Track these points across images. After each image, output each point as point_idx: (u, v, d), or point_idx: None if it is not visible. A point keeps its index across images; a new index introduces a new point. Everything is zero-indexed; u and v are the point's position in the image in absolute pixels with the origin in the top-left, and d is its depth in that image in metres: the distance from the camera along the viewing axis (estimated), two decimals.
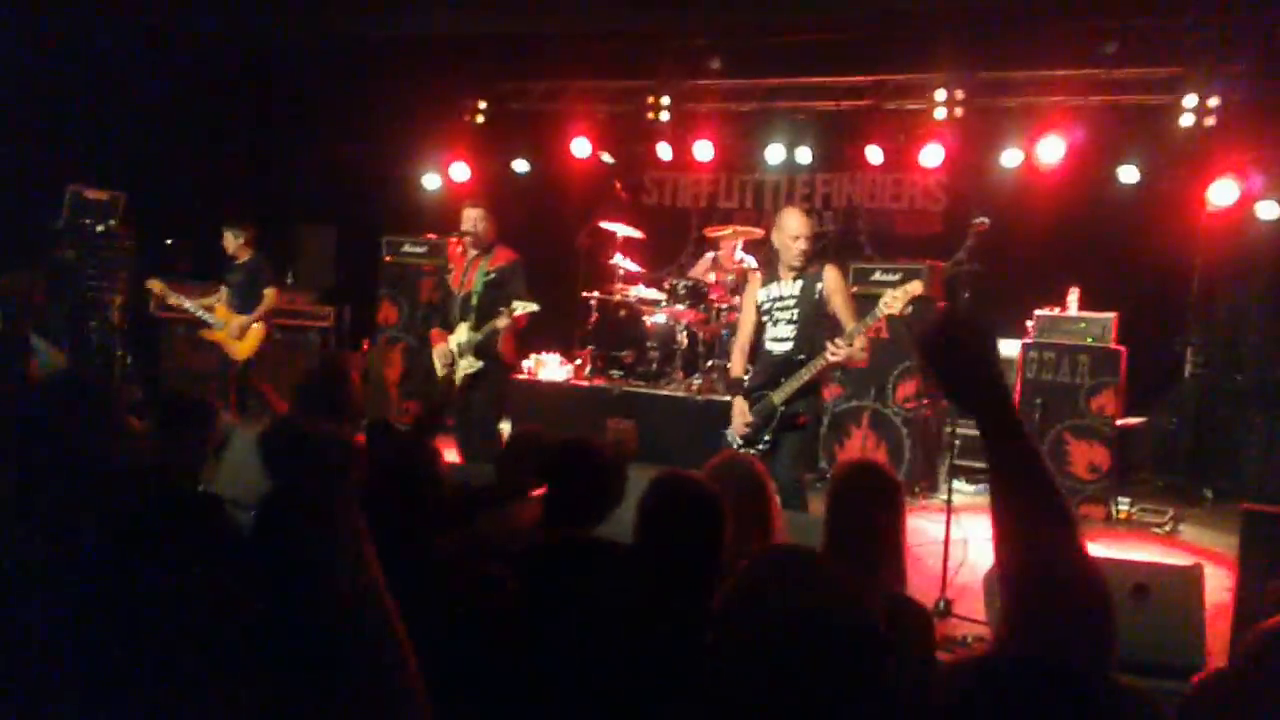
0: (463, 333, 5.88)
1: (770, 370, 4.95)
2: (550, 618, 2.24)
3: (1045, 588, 2.22)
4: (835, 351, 4.65)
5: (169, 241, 9.47)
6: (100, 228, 8.21)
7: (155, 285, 7.73)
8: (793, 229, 4.90)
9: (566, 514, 2.85)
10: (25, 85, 8.36)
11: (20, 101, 8.32)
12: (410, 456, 2.73)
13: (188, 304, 7.54)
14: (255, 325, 7.45)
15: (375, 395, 8.79)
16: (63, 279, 8.19)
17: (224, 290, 7.60)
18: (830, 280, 4.89)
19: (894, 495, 2.93)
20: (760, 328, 5.06)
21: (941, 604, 4.69)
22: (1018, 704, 2.26)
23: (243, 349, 7.44)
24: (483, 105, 10.32)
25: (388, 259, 9.23)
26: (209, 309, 7.55)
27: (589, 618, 2.19)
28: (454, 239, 6.26)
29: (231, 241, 7.52)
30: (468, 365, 5.84)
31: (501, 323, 5.67)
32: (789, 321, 4.93)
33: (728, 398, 5.29)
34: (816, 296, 4.88)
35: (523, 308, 5.60)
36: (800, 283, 4.92)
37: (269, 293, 7.51)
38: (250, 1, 9.00)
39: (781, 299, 4.97)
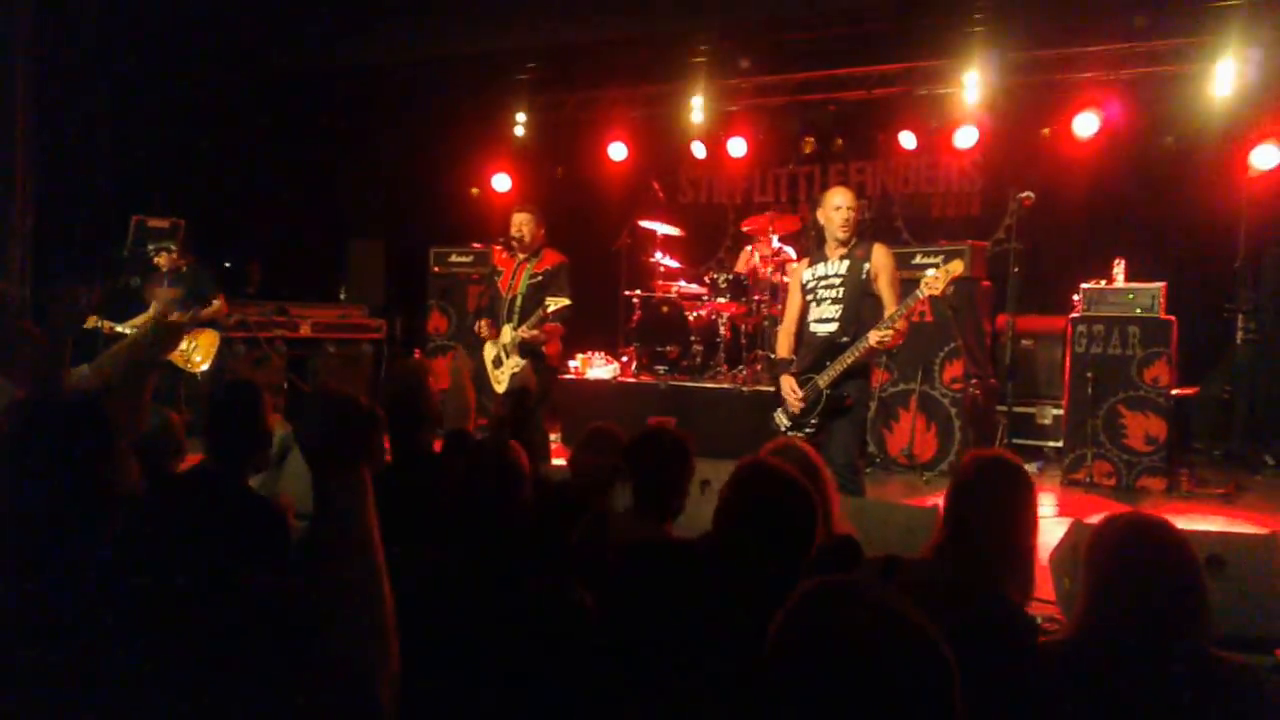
0: (507, 334, 5.71)
1: (815, 353, 4.65)
2: (639, 623, 2.03)
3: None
4: (877, 336, 4.39)
5: (226, 265, 9.37)
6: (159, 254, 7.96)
7: (92, 320, 6.86)
8: (836, 201, 4.68)
9: (656, 505, 2.82)
10: (91, 118, 8.33)
11: (86, 133, 8.28)
12: (499, 459, 2.56)
13: (125, 328, 6.87)
14: (208, 334, 6.98)
15: (455, 403, 8.57)
16: (129, 305, 8.08)
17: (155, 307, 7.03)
18: (878, 259, 4.59)
19: (1029, 496, 2.47)
20: (805, 309, 4.77)
21: None
22: (1116, 684, 1.98)
23: (200, 360, 6.96)
24: (522, 117, 10.14)
25: (435, 270, 9.13)
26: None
27: (679, 621, 1.96)
28: (497, 246, 6.08)
29: (165, 259, 7.02)
30: (513, 365, 5.67)
31: (528, 332, 5.50)
32: (834, 301, 4.63)
33: (773, 388, 5.02)
34: (863, 276, 4.58)
35: (554, 304, 5.41)
36: (847, 262, 4.62)
37: (216, 303, 7.05)
38: (295, 26, 8.91)
39: (826, 278, 4.67)
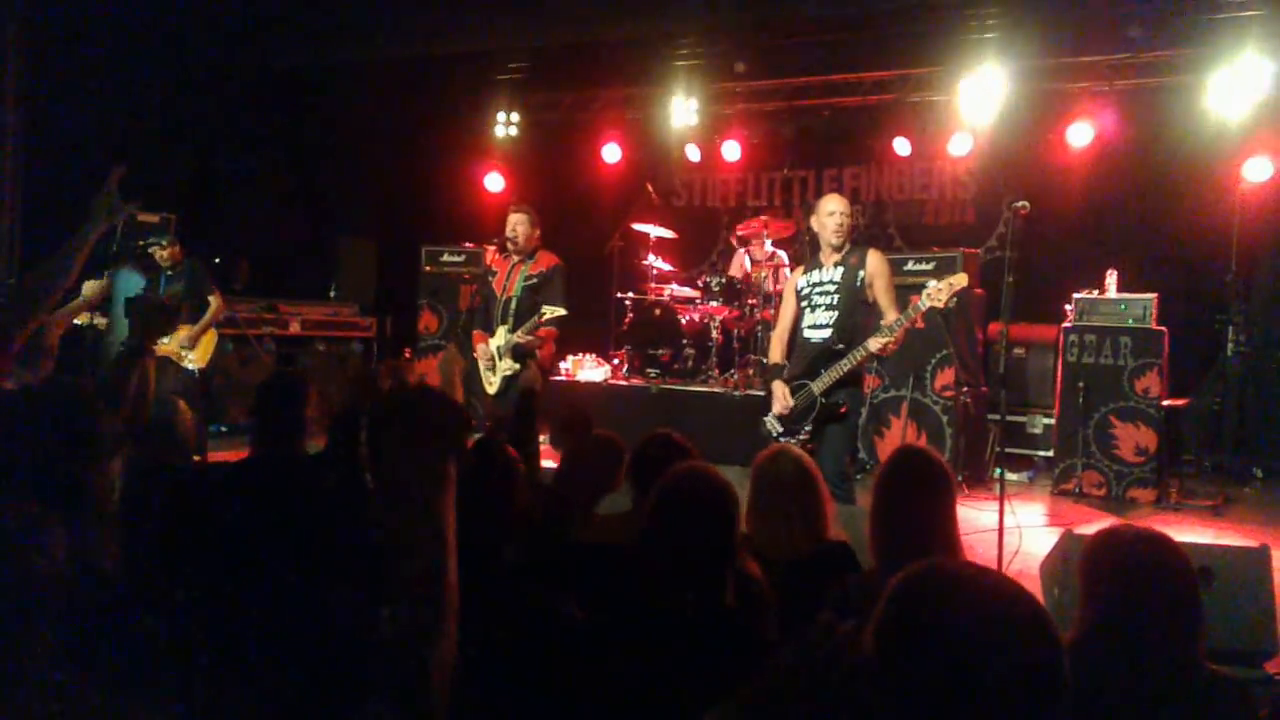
0: (501, 336, 5.66)
1: (809, 360, 4.62)
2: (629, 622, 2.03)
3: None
4: (878, 344, 4.37)
5: (216, 260, 9.30)
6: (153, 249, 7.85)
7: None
8: (829, 207, 4.65)
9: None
10: (79, 113, 8.26)
11: (75, 129, 8.22)
12: (499, 461, 2.54)
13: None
14: (206, 333, 6.88)
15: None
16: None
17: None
18: (873, 265, 4.57)
19: (944, 481, 2.62)
20: (799, 316, 4.74)
21: None
22: (1109, 695, 1.96)
23: (197, 358, 6.86)
24: (515, 117, 10.11)
25: (427, 269, 9.07)
26: None
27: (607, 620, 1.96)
28: (490, 246, 6.02)
29: (161, 253, 6.88)
30: (506, 368, 5.62)
31: (523, 338, 5.44)
32: (828, 308, 4.61)
33: (763, 392, 4.99)
34: (858, 283, 4.55)
35: (550, 313, 5.33)
36: (841, 269, 4.60)
37: (213, 300, 6.95)
38: (288, 22, 8.86)
39: (821, 284, 4.65)
